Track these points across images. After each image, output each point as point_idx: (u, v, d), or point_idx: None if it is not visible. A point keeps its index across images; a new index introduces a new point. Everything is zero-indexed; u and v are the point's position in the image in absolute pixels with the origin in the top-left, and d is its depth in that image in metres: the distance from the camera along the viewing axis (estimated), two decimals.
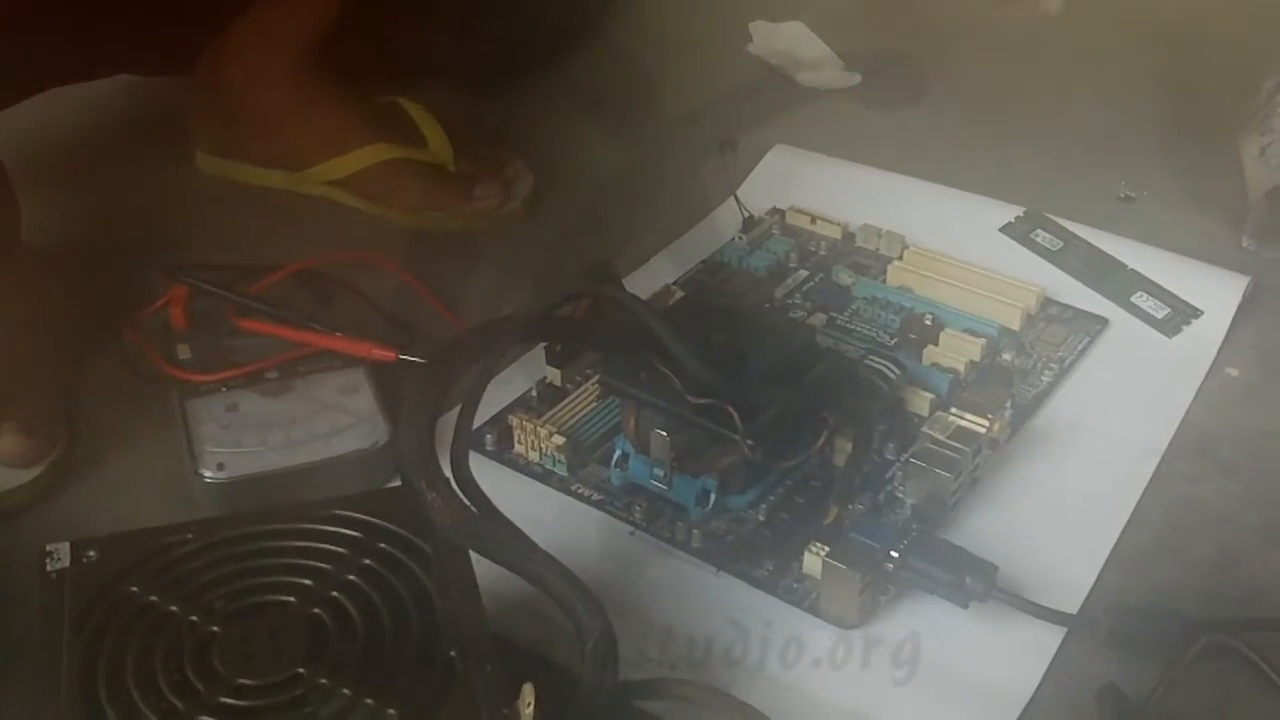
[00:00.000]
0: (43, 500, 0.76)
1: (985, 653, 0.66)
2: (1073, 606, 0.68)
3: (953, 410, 0.74)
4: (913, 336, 0.84)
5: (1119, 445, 0.78)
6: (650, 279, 0.90)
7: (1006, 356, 0.83)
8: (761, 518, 0.72)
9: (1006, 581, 0.66)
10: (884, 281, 0.89)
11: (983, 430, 0.73)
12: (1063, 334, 0.86)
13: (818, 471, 0.74)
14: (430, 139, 1.01)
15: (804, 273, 0.91)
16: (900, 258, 0.90)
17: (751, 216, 0.95)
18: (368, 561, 0.57)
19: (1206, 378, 0.83)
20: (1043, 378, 0.82)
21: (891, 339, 0.85)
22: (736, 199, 0.96)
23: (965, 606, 0.66)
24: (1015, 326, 0.85)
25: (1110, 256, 0.91)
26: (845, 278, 0.90)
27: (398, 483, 0.59)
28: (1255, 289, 0.88)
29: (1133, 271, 0.90)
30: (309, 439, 0.76)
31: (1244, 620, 0.67)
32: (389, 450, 0.75)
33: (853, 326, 0.86)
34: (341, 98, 1.00)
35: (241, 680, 0.52)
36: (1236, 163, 0.93)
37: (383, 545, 0.58)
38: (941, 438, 0.72)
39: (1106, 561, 0.71)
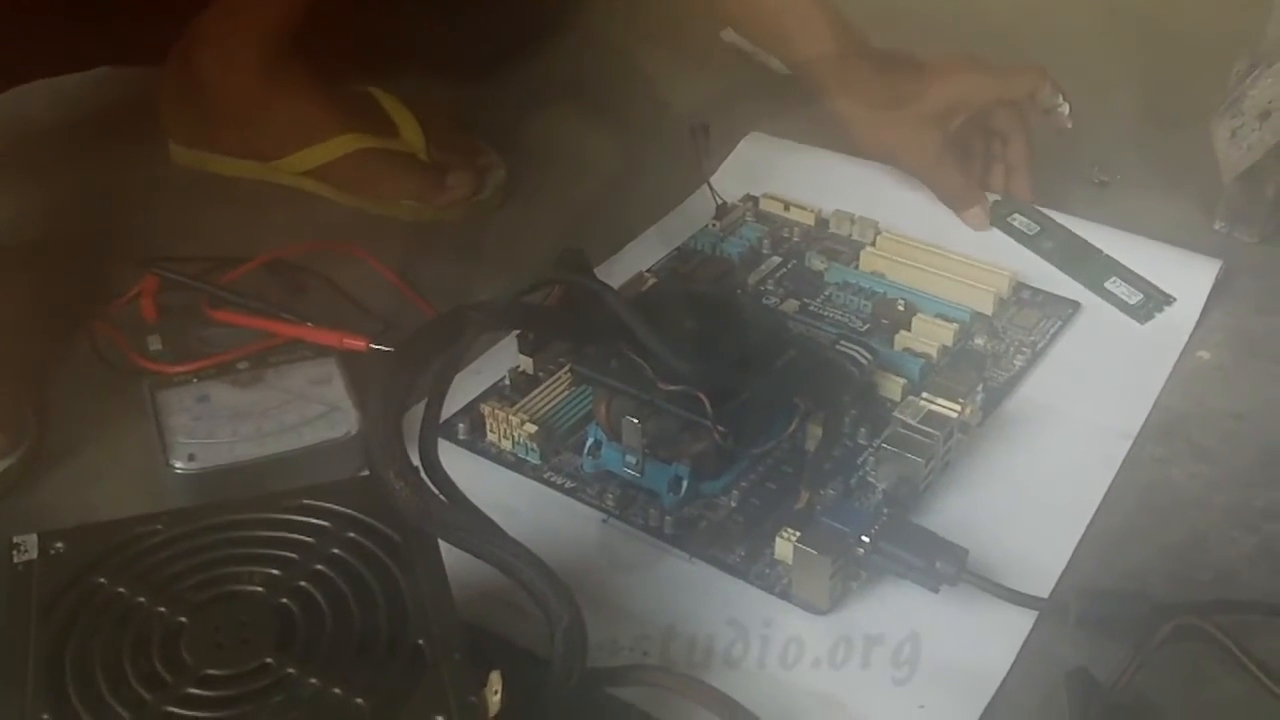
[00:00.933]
0: (12, 492, 0.75)
1: (956, 637, 0.66)
2: (1044, 590, 0.68)
3: (924, 395, 0.74)
4: (885, 322, 0.84)
5: (1091, 429, 0.78)
6: (624, 266, 0.90)
7: (979, 341, 0.83)
8: (733, 504, 0.73)
9: (978, 565, 0.66)
10: (856, 267, 0.89)
11: (954, 415, 0.73)
12: (1035, 318, 0.86)
13: (789, 457, 0.74)
14: (402, 128, 1.01)
15: (777, 259, 0.91)
16: (873, 243, 0.91)
17: (725, 203, 0.95)
18: (336, 551, 0.57)
19: (1179, 361, 0.84)
20: (1015, 362, 0.82)
21: (864, 324, 0.85)
22: (710, 186, 0.96)
23: (936, 591, 0.66)
24: (988, 311, 0.85)
25: (1084, 241, 0.91)
26: (818, 264, 0.90)
27: (368, 472, 0.59)
28: (1227, 272, 0.89)
29: (1107, 257, 0.90)
30: (280, 429, 0.76)
31: (1214, 603, 0.67)
32: (361, 440, 0.75)
33: (825, 312, 0.86)
34: (313, 87, 1.00)
35: (209, 670, 0.51)
36: (1209, 146, 0.93)
37: (351, 535, 0.57)
38: (913, 422, 0.72)
39: (1078, 545, 0.71)
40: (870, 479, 0.74)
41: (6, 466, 0.76)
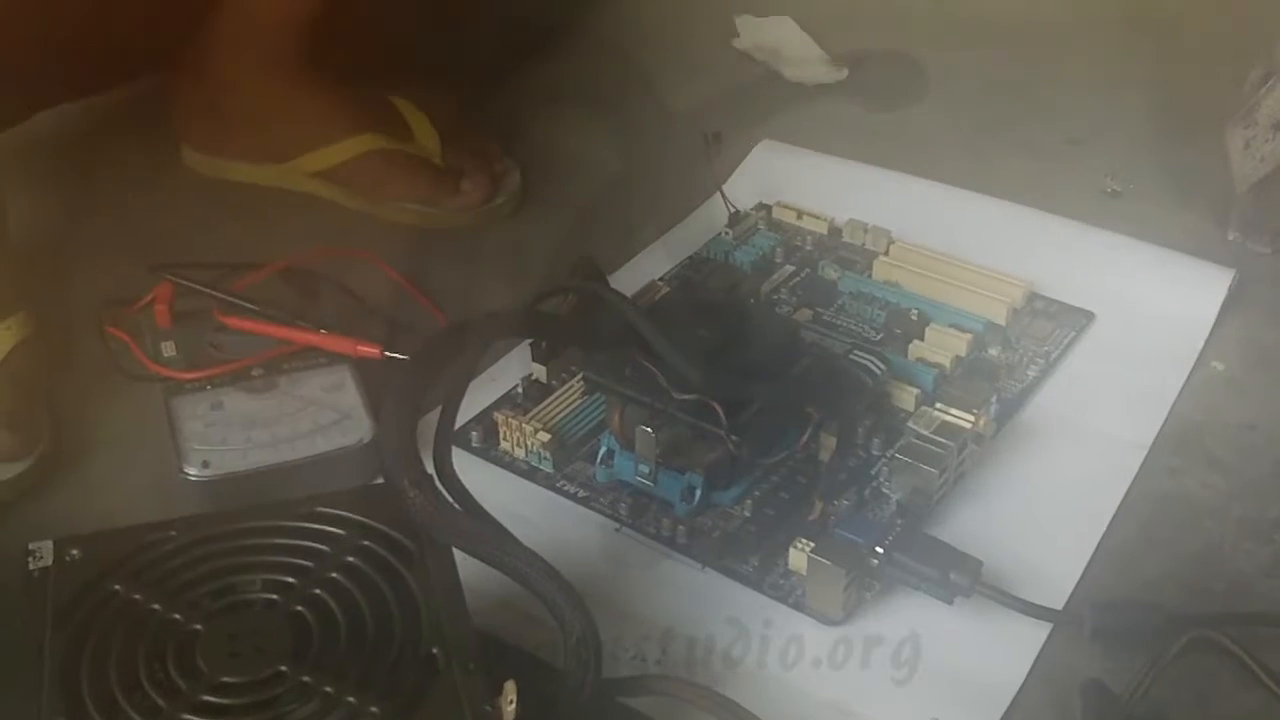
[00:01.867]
0: (26, 498, 0.76)
1: (970, 648, 0.66)
2: (1058, 601, 0.68)
3: (938, 405, 0.74)
4: (898, 331, 0.84)
5: (1105, 440, 0.78)
6: (637, 274, 0.90)
7: (992, 351, 0.83)
8: (747, 514, 0.72)
9: (992, 577, 0.66)
10: (870, 276, 0.89)
11: (968, 425, 0.73)
12: (1049, 328, 0.86)
13: (803, 467, 0.74)
14: (417, 132, 1.01)
15: (790, 268, 0.91)
16: (886, 253, 0.90)
17: (738, 211, 0.95)
18: (351, 559, 0.57)
19: (1192, 371, 0.83)
20: (1028, 372, 0.82)
21: (877, 334, 0.85)
22: (723, 194, 0.95)
23: (950, 602, 0.66)
24: (1001, 321, 0.84)
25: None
26: (831, 273, 0.90)
27: (383, 480, 0.59)
28: (1241, 282, 0.88)
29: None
30: (294, 436, 0.76)
31: (1228, 615, 0.67)
32: (374, 447, 0.75)
33: (838, 322, 0.86)
34: (328, 88, 1.00)
35: (224, 678, 0.52)
36: (1222, 156, 0.93)
37: (366, 543, 0.57)
38: (927, 433, 0.72)
39: (1092, 556, 0.71)
40: (884, 490, 0.73)
41: (21, 471, 0.76)
